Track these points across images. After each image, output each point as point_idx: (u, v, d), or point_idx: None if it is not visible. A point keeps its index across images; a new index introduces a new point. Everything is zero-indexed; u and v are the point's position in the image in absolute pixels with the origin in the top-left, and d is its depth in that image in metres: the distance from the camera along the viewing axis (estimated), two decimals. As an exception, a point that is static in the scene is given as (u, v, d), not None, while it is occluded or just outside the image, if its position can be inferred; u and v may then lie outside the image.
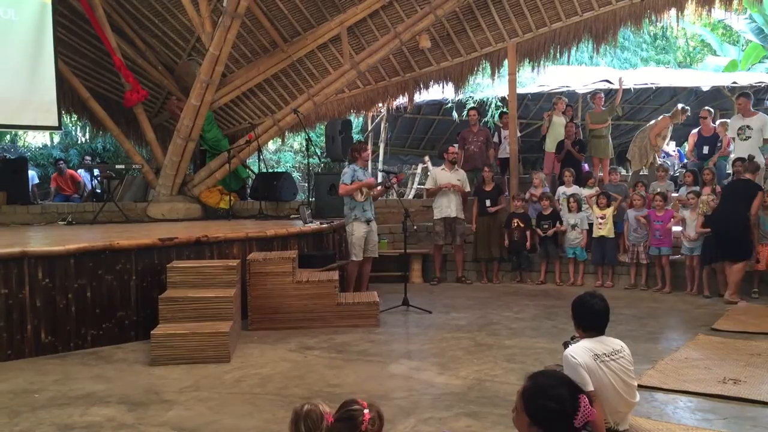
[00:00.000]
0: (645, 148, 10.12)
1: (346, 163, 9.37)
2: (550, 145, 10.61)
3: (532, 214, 9.49)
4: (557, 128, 10.56)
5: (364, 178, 7.77)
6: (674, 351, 5.45)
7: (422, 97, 12.39)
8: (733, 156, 9.21)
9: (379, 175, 7.78)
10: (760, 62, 18.94)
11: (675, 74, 16.64)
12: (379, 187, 8.01)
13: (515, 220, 9.26)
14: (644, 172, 10.53)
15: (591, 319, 3.47)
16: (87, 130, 14.02)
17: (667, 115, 10.83)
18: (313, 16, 10.58)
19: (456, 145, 10.34)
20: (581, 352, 3.30)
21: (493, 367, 5.14)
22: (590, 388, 3.17)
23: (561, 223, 9.10)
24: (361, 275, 8.01)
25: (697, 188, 8.57)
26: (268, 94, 11.67)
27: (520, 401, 2.11)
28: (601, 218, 8.77)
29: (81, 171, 13.51)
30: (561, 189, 9.53)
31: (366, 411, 2.18)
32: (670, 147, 11.33)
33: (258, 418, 4.11)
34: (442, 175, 9.44)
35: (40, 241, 7.15)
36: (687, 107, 10.96)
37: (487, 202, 9.42)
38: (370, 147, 8.42)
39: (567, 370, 3.25)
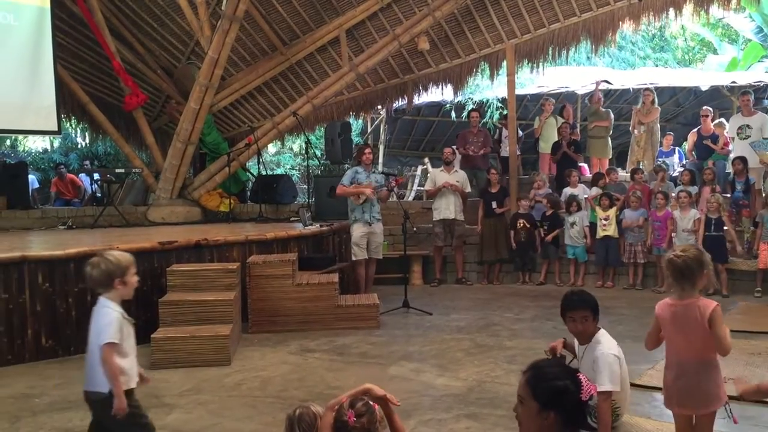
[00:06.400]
0: (642, 145, 10.28)
1: (347, 165, 9.37)
2: (544, 147, 10.62)
3: (536, 215, 9.48)
4: (549, 129, 10.59)
5: (365, 181, 7.77)
6: (674, 351, 5.45)
7: (421, 98, 12.39)
8: (732, 155, 9.20)
9: (373, 177, 7.75)
10: (759, 61, 18.95)
11: (674, 74, 16.63)
12: (384, 191, 7.95)
13: (521, 221, 9.23)
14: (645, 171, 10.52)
15: None
16: (87, 135, 13.99)
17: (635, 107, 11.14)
18: (312, 18, 10.58)
19: (453, 147, 10.34)
20: (615, 347, 3.42)
21: (493, 368, 5.15)
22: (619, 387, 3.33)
23: (561, 225, 9.11)
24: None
25: (692, 188, 8.58)
26: (267, 97, 11.67)
27: (526, 390, 2.13)
28: (605, 219, 8.75)
29: (81, 175, 13.51)
30: (567, 190, 9.50)
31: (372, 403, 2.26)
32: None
33: (258, 421, 4.12)
34: (441, 176, 9.43)
35: (40, 245, 7.17)
36: (651, 88, 11.20)
37: (493, 204, 9.40)
38: (370, 149, 8.40)
39: (612, 367, 3.31)
